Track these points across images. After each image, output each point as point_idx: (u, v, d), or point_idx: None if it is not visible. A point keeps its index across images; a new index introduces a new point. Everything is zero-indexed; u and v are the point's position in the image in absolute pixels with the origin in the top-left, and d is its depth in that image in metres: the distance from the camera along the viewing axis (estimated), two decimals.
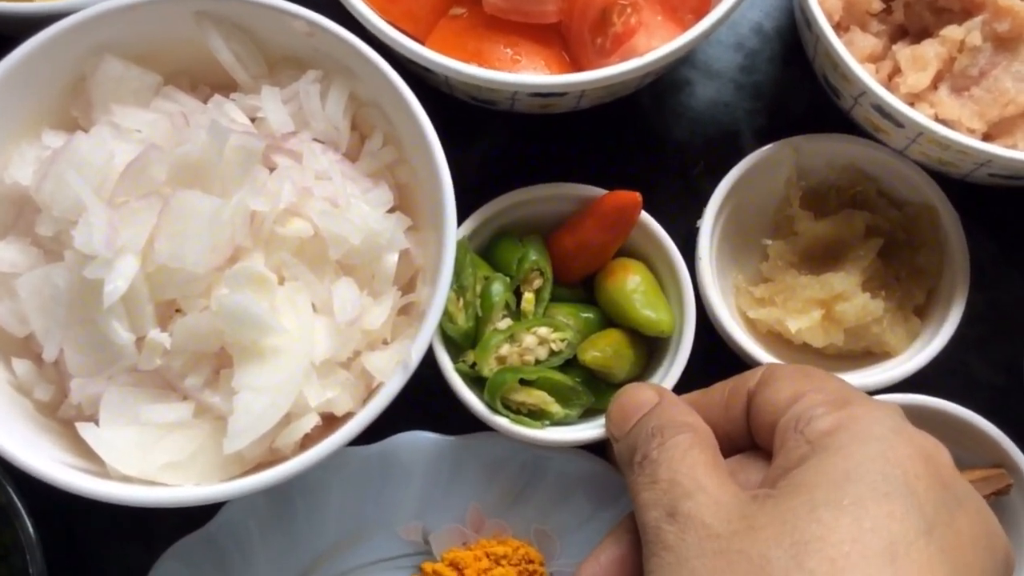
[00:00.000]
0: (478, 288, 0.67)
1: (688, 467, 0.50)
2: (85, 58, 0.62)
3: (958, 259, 0.70)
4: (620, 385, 0.68)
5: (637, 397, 0.56)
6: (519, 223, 0.71)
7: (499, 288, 0.67)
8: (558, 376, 0.66)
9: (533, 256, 0.69)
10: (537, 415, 0.66)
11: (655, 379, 0.68)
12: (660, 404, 0.55)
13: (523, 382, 0.66)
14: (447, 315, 0.66)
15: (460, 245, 0.66)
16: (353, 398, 0.60)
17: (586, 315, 0.69)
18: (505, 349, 0.66)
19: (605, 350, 0.66)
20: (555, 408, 0.66)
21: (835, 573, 0.42)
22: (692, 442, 0.51)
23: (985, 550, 0.46)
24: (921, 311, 0.71)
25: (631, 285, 0.68)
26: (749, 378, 0.55)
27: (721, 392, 0.56)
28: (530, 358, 0.67)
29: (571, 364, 0.68)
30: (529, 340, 0.66)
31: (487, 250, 0.71)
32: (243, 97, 0.63)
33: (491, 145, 0.78)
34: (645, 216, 0.69)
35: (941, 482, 0.46)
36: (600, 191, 0.69)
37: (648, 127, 0.79)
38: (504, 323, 0.67)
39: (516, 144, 0.78)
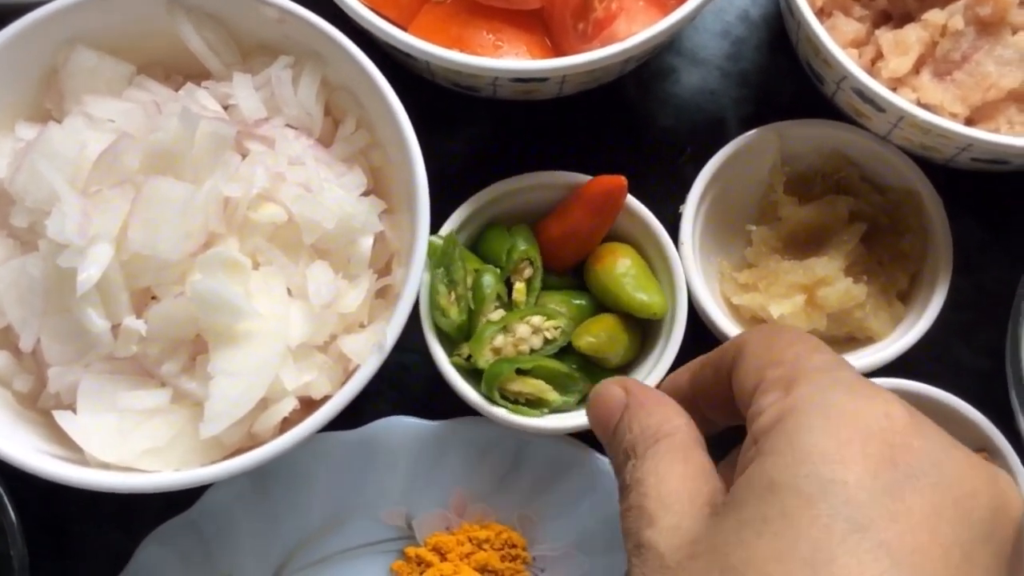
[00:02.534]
0: (469, 281, 0.67)
1: (655, 488, 0.47)
2: (57, 49, 0.62)
3: (941, 244, 0.70)
4: (616, 370, 0.69)
5: (605, 402, 0.54)
6: (507, 213, 0.71)
7: (490, 280, 0.67)
8: (554, 364, 0.66)
9: (522, 246, 0.69)
10: (535, 404, 0.66)
11: (650, 362, 0.68)
12: (628, 409, 0.52)
13: (519, 372, 0.66)
14: (440, 310, 0.66)
15: (449, 239, 0.67)
16: (331, 381, 0.60)
17: (578, 302, 0.69)
18: (499, 340, 0.66)
19: (599, 335, 0.67)
20: (553, 396, 0.66)
21: None
22: (664, 453, 0.49)
23: (952, 521, 0.41)
24: (905, 296, 0.71)
25: (621, 269, 0.68)
26: (727, 357, 0.52)
27: (701, 369, 0.55)
28: (525, 348, 0.67)
29: (566, 351, 0.68)
30: (523, 330, 0.66)
31: (476, 242, 0.71)
32: (215, 85, 0.63)
33: (476, 132, 0.78)
34: (631, 200, 0.69)
35: (887, 459, 0.42)
36: (582, 177, 0.69)
37: (634, 115, 0.79)
38: (497, 314, 0.67)
39: (501, 131, 0.78)
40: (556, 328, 0.67)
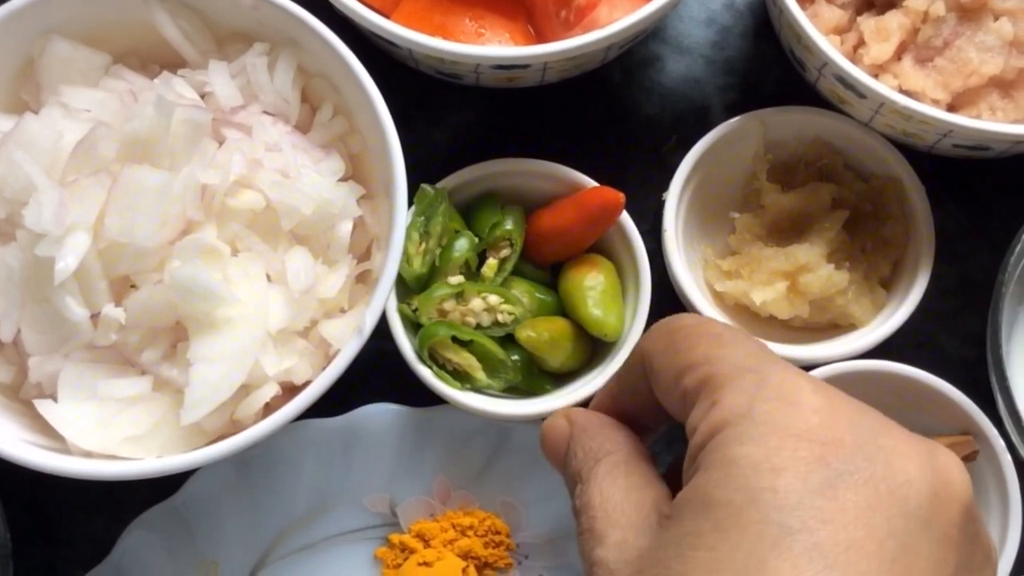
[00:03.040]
0: (444, 239, 0.68)
1: (600, 508, 0.47)
2: (34, 41, 0.62)
3: (923, 231, 0.70)
4: (553, 375, 0.69)
5: (554, 433, 0.54)
6: (505, 192, 0.71)
7: (463, 244, 0.68)
8: (492, 346, 0.66)
9: (508, 225, 0.69)
10: (461, 377, 0.66)
11: (588, 377, 0.68)
12: (572, 437, 0.52)
13: (456, 340, 0.66)
14: (405, 255, 0.66)
15: (439, 192, 0.67)
16: (312, 366, 0.60)
17: (542, 297, 0.69)
18: (449, 304, 0.67)
19: (542, 333, 0.66)
20: (480, 375, 0.66)
21: None
22: (606, 472, 0.49)
23: (886, 513, 0.41)
24: (887, 283, 0.71)
25: (590, 282, 0.68)
26: (633, 368, 0.51)
27: (618, 387, 0.54)
28: (472, 321, 0.67)
29: (512, 342, 0.68)
30: (476, 303, 0.67)
31: (469, 208, 0.71)
32: (191, 73, 0.63)
33: (461, 119, 0.78)
34: (625, 216, 0.69)
35: (818, 458, 0.41)
36: (587, 180, 0.70)
37: (619, 103, 0.79)
38: (457, 279, 0.67)
39: (488, 118, 0.78)
40: (510, 314, 0.67)
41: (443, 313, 0.67)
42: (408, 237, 0.66)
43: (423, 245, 0.67)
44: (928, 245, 0.69)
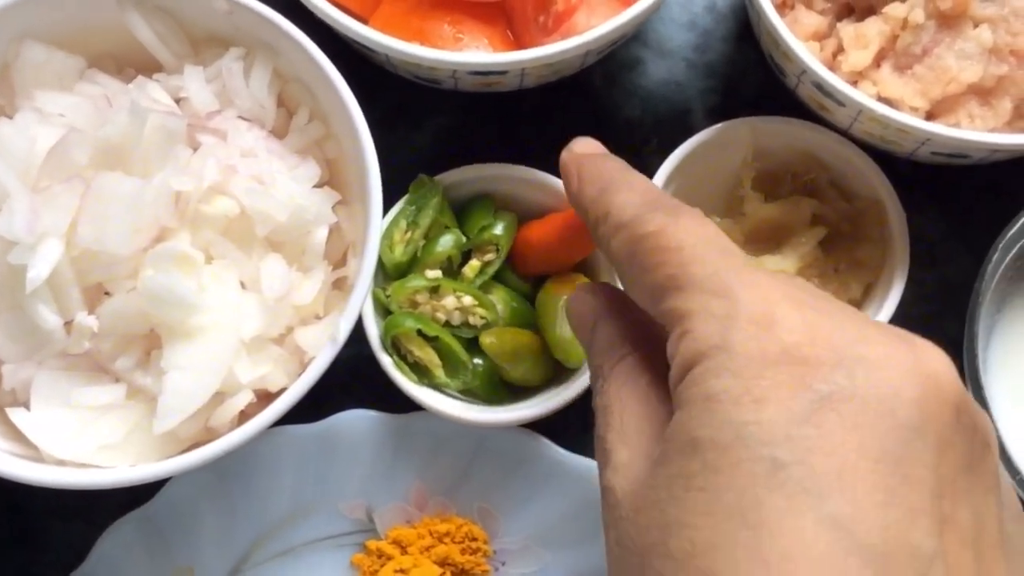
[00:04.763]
0: (431, 232, 0.68)
1: (617, 417, 0.46)
2: (7, 45, 0.62)
3: (898, 257, 0.69)
4: (515, 387, 0.69)
5: (580, 307, 0.54)
6: (500, 197, 0.71)
7: (448, 241, 0.68)
8: (457, 346, 0.66)
9: (497, 230, 0.69)
10: (419, 371, 0.66)
11: (547, 395, 0.67)
12: (599, 316, 0.52)
13: (423, 335, 0.66)
14: (389, 242, 0.66)
15: (436, 186, 0.68)
16: (287, 374, 0.60)
17: (517, 307, 0.69)
18: (423, 297, 0.66)
19: (505, 343, 0.66)
20: (439, 373, 0.66)
21: (694, 556, 0.39)
22: (627, 374, 0.48)
23: (874, 431, 0.39)
24: (857, 305, 0.71)
25: (564, 301, 0.68)
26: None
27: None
28: (442, 316, 0.67)
29: (478, 348, 0.67)
30: (449, 300, 0.66)
31: (464, 207, 0.71)
32: (167, 78, 0.63)
33: (443, 124, 0.78)
34: None
35: (800, 381, 0.40)
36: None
37: (600, 106, 0.79)
38: (435, 273, 0.67)
39: (468, 123, 0.78)
40: (482, 318, 0.67)
41: (414, 304, 0.66)
42: (395, 224, 0.67)
43: (409, 234, 0.67)
44: (901, 271, 0.69)
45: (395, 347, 0.66)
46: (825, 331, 0.41)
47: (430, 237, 0.68)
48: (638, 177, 0.54)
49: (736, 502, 0.38)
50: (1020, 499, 0.61)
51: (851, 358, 0.40)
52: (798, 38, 0.66)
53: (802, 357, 0.40)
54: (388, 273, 0.68)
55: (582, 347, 0.54)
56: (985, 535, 0.41)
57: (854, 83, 0.67)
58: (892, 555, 0.37)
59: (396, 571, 0.67)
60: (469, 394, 0.68)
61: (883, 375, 0.40)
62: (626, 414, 0.46)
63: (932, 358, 0.41)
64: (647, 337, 0.50)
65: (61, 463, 0.58)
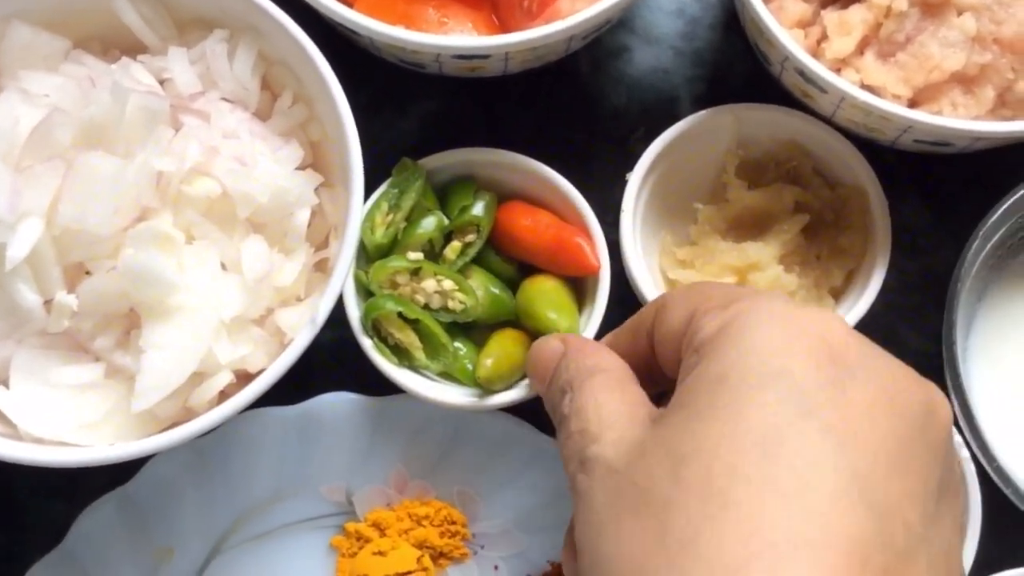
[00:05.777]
0: (413, 215, 0.68)
1: (595, 412, 0.49)
2: None
3: (880, 245, 0.69)
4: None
5: (544, 351, 0.56)
6: (482, 180, 0.71)
7: (430, 223, 0.68)
8: (438, 329, 0.66)
9: (477, 211, 0.68)
10: (400, 353, 0.66)
11: (528, 379, 0.67)
12: (566, 355, 0.54)
13: (404, 318, 0.66)
14: (371, 224, 0.66)
15: (419, 170, 0.68)
16: (268, 355, 0.60)
17: (497, 293, 0.68)
18: (403, 278, 0.66)
19: (502, 366, 0.65)
20: (419, 355, 0.66)
21: (710, 480, 0.41)
22: (601, 384, 0.50)
23: (888, 413, 0.43)
24: (837, 293, 0.71)
25: (548, 285, 0.68)
26: (646, 318, 0.53)
27: (627, 334, 0.56)
28: (421, 299, 0.66)
29: (460, 330, 0.68)
30: (429, 283, 0.66)
31: (445, 190, 0.71)
32: (151, 59, 0.63)
33: (429, 108, 0.78)
34: (600, 242, 0.68)
35: (828, 357, 0.44)
36: (568, 188, 0.69)
37: (587, 93, 0.79)
38: (416, 256, 0.67)
39: (456, 106, 0.78)
40: (461, 303, 0.66)
41: (394, 285, 0.66)
42: (377, 206, 0.67)
43: (391, 216, 0.67)
44: (883, 260, 0.69)
45: (376, 329, 0.66)
46: (858, 336, 0.47)
47: (412, 220, 0.68)
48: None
49: (761, 436, 0.41)
50: (1001, 490, 0.62)
51: (876, 360, 0.45)
52: (783, 25, 0.66)
53: (835, 341, 0.45)
54: (370, 255, 0.67)
55: (536, 383, 0.57)
56: (952, 560, 0.45)
57: (837, 70, 0.67)
58: (890, 517, 0.41)
59: (374, 553, 0.67)
60: (450, 377, 0.68)
61: (900, 379, 0.45)
62: (604, 410, 0.49)
63: (939, 392, 0.47)
64: (613, 363, 0.53)
65: (39, 441, 0.58)
